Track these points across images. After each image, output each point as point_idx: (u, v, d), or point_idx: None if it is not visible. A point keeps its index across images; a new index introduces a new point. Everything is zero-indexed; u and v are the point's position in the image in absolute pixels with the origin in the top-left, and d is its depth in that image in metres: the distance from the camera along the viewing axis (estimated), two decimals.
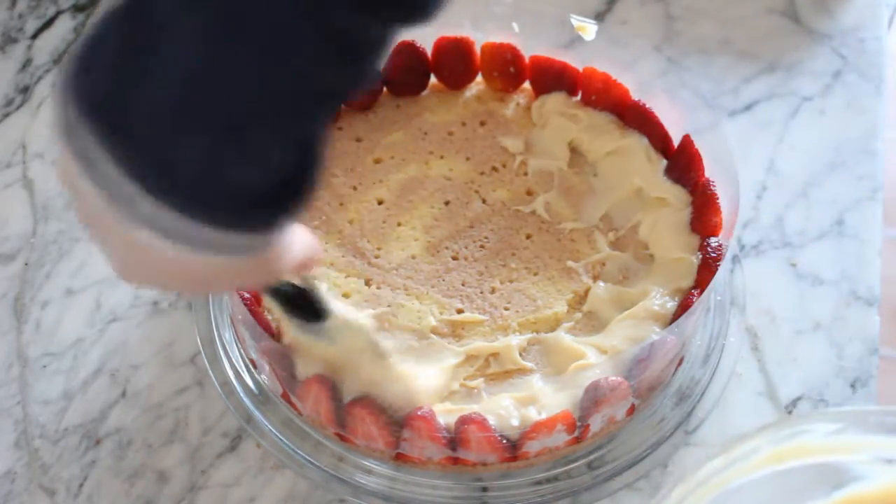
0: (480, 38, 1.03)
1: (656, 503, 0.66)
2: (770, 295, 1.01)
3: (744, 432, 0.69)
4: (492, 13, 1.03)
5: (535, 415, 0.85)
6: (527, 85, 1.05)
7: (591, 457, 0.91)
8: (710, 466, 0.68)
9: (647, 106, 0.99)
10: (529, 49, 1.03)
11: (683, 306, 0.90)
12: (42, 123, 1.13)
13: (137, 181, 0.59)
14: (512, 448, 0.86)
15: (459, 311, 0.94)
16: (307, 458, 0.91)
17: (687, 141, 0.96)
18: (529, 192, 1.00)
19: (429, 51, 1.03)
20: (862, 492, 0.70)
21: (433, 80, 1.05)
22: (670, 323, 0.90)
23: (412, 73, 1.04)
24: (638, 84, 1.01)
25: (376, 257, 0.97)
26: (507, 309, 0.94)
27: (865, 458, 0.70)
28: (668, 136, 0.99)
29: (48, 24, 1.19)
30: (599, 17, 1.18)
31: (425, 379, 0.88)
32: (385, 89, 1.05)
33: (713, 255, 0.91)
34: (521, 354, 0.91)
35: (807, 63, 1.15)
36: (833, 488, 0.71)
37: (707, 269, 0.91)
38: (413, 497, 0.90)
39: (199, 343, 0.96)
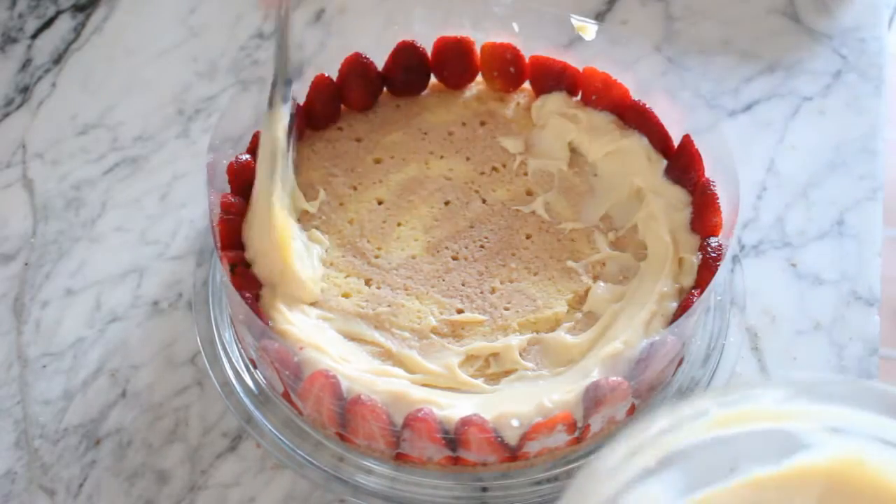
0: (480, 38, 1.03)
1: (603, 456, 0.66)
2: (770, 295, 1.01)
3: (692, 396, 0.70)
4: (492, 13, 1.03)
5: (535, 415, 0.85)
6: (527, 85, 1.05)
7: (592, 457, 0.91)
8: (657, 426, 0.68)
9: (647, 106, 0.99)
10: (529, 49, 1.03)
11: (683, 306, 0.90)
12: (42, 123, 1.13)
13: None
14: (512, 449, 0.86)
15: (459, 311, 0.94)
16: (307, 458, 0.91)
17: (687, 141, 0.96)
18: (529, 192, 1.00)
19: (429, 51, 1.03)
20: (810, 460, 0.71)
21: (433, 80, 1.05)
22: (670, 323, 0.90)
23: (412, 73, 1.04)
24: (638, 84, 1.01)
25: (376, 257, 0.97)
26: (507, 309, 0.94)
27: (814, 427, 0.70)
28: (668, 136, 0.99)
29: (48, 24, 1.19)
30: (599, 17, 1.18)
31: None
32: (385, 89, 1.05)
33: (713, 255, 0.91)
34: (521, 354, 0.91)
35: (807, 63, 1.15)
36: (782, 455, 0.71)
37: (707, 269, 0.91)
38: (413, 497, 0.90)
39: (199, 343, 0.96)
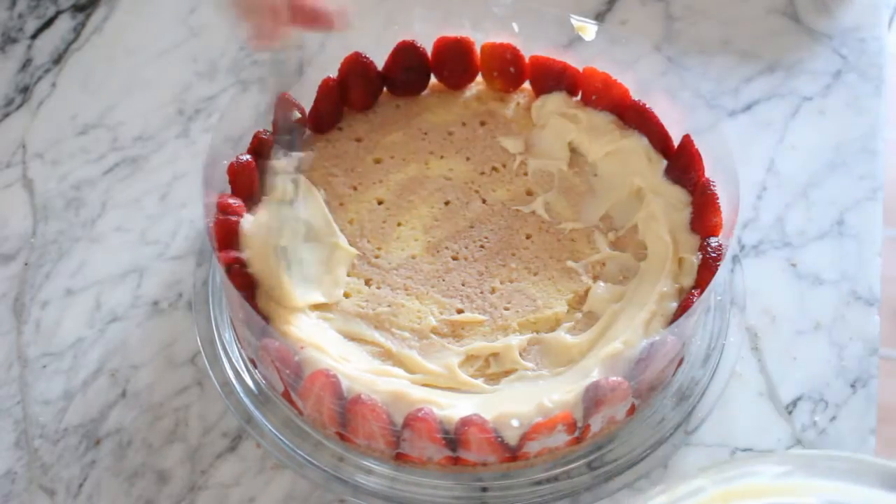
0: (480, 38, 1.03)
1: None
2: (770, 295, 1.01)
3: (688, 473, 0.69)
4: (492, 13, 1.03)
5: (535, 415, 0.85)
6: (527, 85, 1.05)
7: (591, 457, 0.91)
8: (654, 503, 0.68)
9: (647, 106, 0.99)
10: (529, 49, 1.03)
11: (683, 306, 0.90)
12: (42, 123, 1.13)
13: None
14: (512, 449, 0.86)
15: (459, 311, 0.94)
16: (307, 458, 0.91)
17: (687, 141, 0.96)
18: (529, 192, 1.00)
19: (429, 51, 1.03)
20: None
21: (433, 80, 1.05)
22: (670, 323, 0.90)
23: (412, 73, 1.04)
24: (638, 84, 1.01)
25: (376, 257, 0.97)
26: (507, 309, 0.94)
27: (811, 502, 0.70)
28: (668, 136, 0.99)
29: (48, 24, 1.19)
30: (599, 17, 1.18)
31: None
32: (385, 89, 1.05)
33: (713, 255, 0.91)
34: (521, 354, 0.91)
35: (807, 63, 1.15)
36: None
37: (707, 269, 0.91)
38: (413, 497, 0.90)
39: (199, 343, 0.96)
